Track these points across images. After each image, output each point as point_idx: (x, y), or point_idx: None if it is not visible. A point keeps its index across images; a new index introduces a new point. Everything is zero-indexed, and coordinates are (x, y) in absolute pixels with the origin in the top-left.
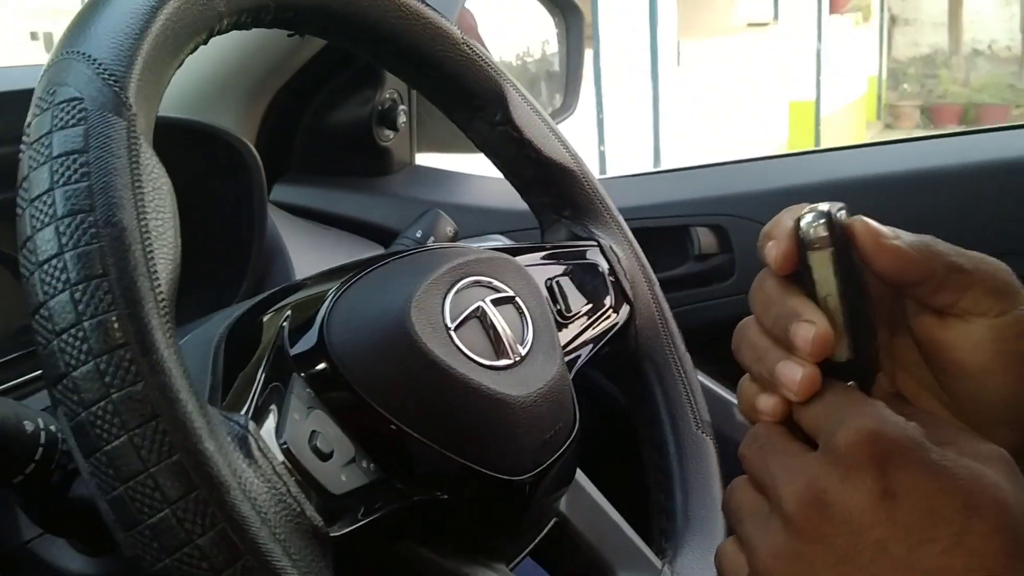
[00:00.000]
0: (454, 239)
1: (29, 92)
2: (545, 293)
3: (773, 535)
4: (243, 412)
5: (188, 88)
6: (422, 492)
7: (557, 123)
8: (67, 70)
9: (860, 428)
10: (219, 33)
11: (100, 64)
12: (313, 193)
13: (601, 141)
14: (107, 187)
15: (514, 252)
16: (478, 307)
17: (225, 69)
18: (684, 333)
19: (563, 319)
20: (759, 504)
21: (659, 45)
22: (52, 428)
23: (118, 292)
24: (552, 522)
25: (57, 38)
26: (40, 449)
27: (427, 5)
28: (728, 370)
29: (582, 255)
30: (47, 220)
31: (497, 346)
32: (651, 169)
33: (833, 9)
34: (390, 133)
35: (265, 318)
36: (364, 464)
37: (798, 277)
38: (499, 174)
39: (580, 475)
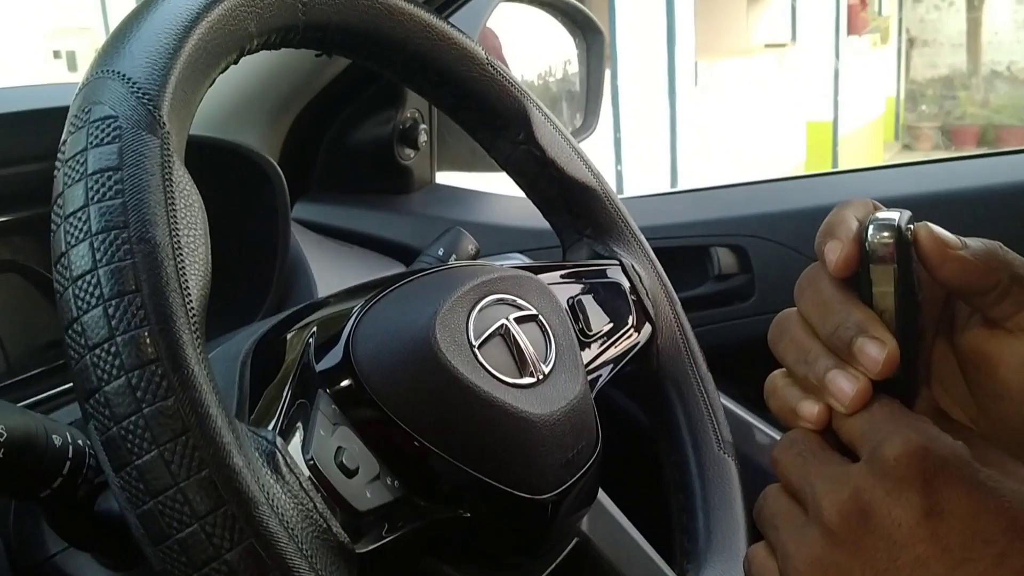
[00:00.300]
0: (475, 257)
1: (56, 110)
2: (567, 311)
3: (810, 543)
4: (271, 428)
5: (213, 106)
6: (445, 510)
7: (577, 142)
8: (102, 89)
9: (908, 442)
10: (249, 53)
11: (134, 83)
12: (335, 211)
13: (618, 160)
14: (140, 204)
15: (536, 270)
16: (502, 325)
17: (250, 87)
18: (704, 353)
19: (585, 338)
20: (795, 511)
21: (676, 65)
22: (79, 442)
23: (150, 308)
24: (574, 542)
25: (80, 56)
26: (67, 463)
27: (452, 25)
28: (748, 391)
29: (604, 274)
30: (82, 236)
31: (520, 364)
32: (671, 189)
33: (851, 30)
34: (411, 152)
35: (290, 335)
36: (388, 481)
37: (855, 281)
38: (518, 192)
39: (602, 495)
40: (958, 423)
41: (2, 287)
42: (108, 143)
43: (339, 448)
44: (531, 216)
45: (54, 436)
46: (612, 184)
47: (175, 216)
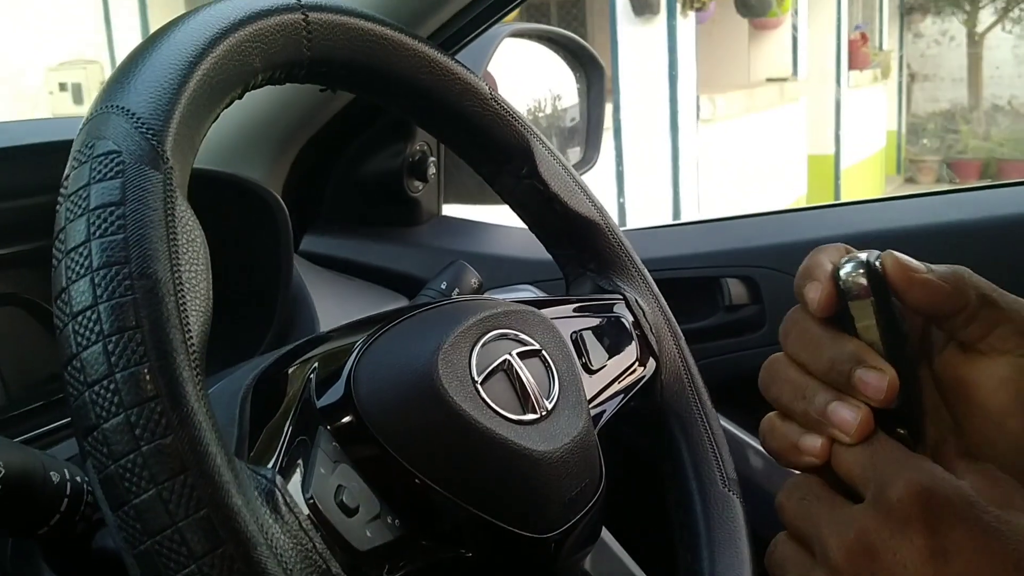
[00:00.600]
0: (478, 291)
1: (60, 144)
2: (571, 346)
3: None
4: (270, 465)
5: (217, 139)
6: (446, 549)
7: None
8: (106, 124)
9: (911, 483)
10: (254, 88)
11: (138, 118)
12: (342, 243)
13: (621, 193)
14: (142, 239)
15: (539, 305)
16: (505, 360)
17: (255, 121)
18: (716, 384)
19: (588, 373)
20: (802, 556)
21: (679, 99)
22: (77, 479)
23: (150, 344)
24: None
25: (85, 90)
26: (65, 500)
27: (456, 61)
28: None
29: (607, 308)
30: (82, 272)
31: (523, 400)
32: (680, 221)
33: (852, 65)
34: (420, 184)
35: (291, 370)
36: (389, 520)
37: (838, 319)
38: (524, 225)
39: (605, 533)
40: (954, 452)
41: (3, 319)
42: (111, 178)
43: (339, 486)
44: (537, 248)
45: (52, 473)
46: (615, 217)
47: (177, 251)
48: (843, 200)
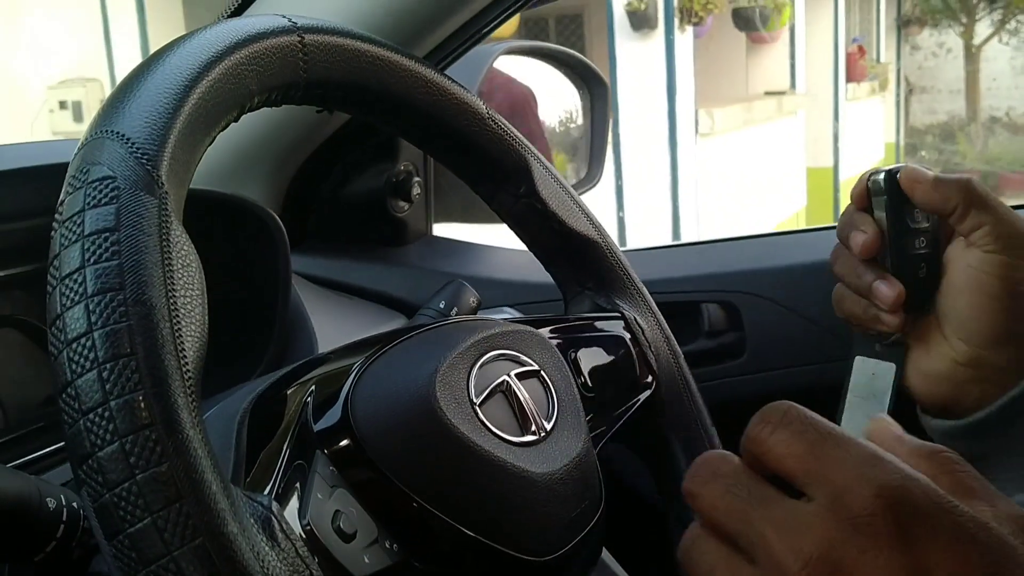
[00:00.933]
0: (477, 310)
1: (56, 166)
2: (569, 366)
3: None
4: (267, 492)
5: (214, 159)
6: (445, 574)
7: (581, 193)
8: (100, 149)
9: (881, 490)
10: (250, 110)
11: (133, 143)
12: (328, 263)
13: (620, 208)
14: (137, 265)
15: (538, 324)
16: (503, 381)
17: (252, 141)
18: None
19: (587, 392)
20: (735, 562)
21: (677, 114)
22: (74, 505)
23: (145, 371)
24: None
25: (85, 107)
26: (62, 527)
27: (453, 80)
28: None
29: (606, 327)
30: (77, 298)
31: (522, 421)
32: (666, 242)
33: (850, 78)
34: (404, 204)
35: (289, 392)
36: (387, 545)
37: (868, 210)
38: (518, 245)
39: (606, 555)
40: (936, 327)
41: (0, 341)
42: (106, 204)
43: (337, 511)
44: (528, 270)
45: (48, 499)
46: (614, 230)
47: (172, 277)
48: (828, 224)
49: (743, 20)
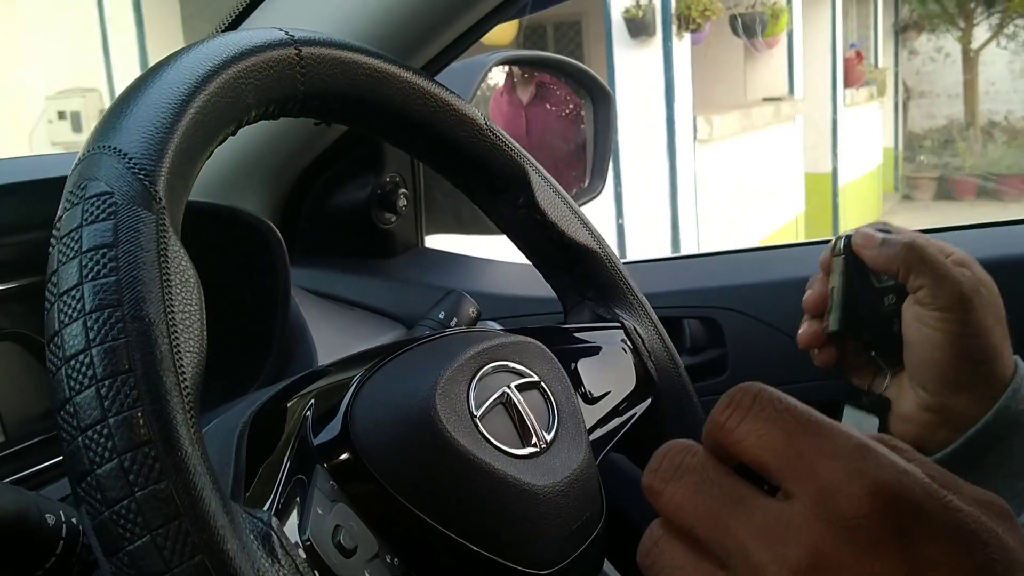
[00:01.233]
0: (476, 320)
1: (54, 180)
2: (569, 377)
3: None
4: (267, 507)
5: (211, 171)
6: None
7: (583, 204)
8: (98, 164)
9: (875, 488)
10: (247, 124)
11: (130, 158)
12: (314, 276)
13: (620, 214)
14: (135, 281)
15: (538, 334)
16: (503, 393)
17: (249, 153)
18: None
19: (588, 403)
20: (704, 571)
21: (676, 120)
22: (73, 520)
23: (144, 388)
24: None
25: (84, 117)
26: (61, 543)
27: (450, 92)
28: None
29: (607, 337)
30: (75, 315)
31: (523, 433)
32: (640, 257)
33: (848, 83)
34: (391, 216)
35: (288, 405)
36: (388, 559)
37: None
38: (511, 257)
39: (608, 567)
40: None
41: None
42: (103, 220)
43: (337, 526)
44: (519, 283)
45: (48, 515)
46: (614, 237)
47: (170, 293)
48: (812, 239)
49: (741, 26)
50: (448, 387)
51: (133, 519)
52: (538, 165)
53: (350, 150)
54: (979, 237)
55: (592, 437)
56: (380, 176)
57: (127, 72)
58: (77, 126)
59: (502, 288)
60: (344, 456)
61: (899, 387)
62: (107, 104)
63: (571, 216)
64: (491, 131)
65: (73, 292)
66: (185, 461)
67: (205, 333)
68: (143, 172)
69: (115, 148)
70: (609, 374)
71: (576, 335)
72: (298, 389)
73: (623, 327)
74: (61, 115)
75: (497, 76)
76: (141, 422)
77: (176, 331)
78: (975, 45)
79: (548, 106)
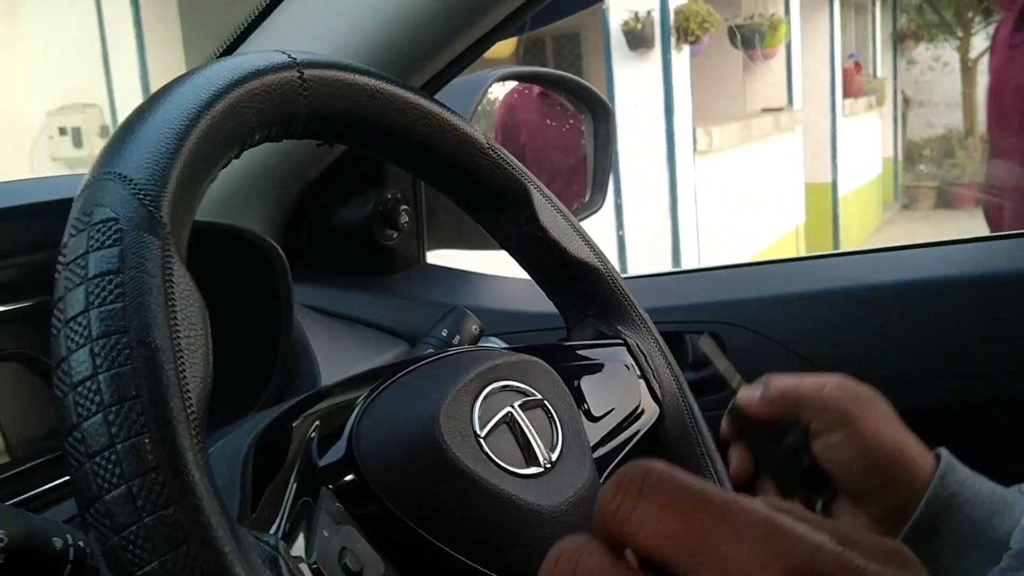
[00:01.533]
0: (479, 337)
1: (57, 202)
2: (573, 395)
3: None
4: (273, 530)
5: (213, 189)
6: None
7: (584, 218)
8: (103, 190)
9: (790, 566)
10: (251, 147)
11: (135, 184)
12: (316, 293)
13: (620, 226)
14: (141, 307)
15: (541, 352)
16: (507, 413)
17: (251, 171)
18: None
19: (591, 420)
20: None
21: (675, 132)
22: (80, 543)
23: (151, 414)
24: None
25: (85, 133)
26: (68, 566)
27: (452, 112)
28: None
29: (609, 355)
30: (82, 341)
31: (527, 453)
32: (640, 272)
33: (847, 93)
34: (392, 233)
35: (293, 426)
36: None
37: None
38: (513, 273)
39: None
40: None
41: (4, 375)
42: (109, 246)
43: (343, 549)
44: (521, 298)
45: (55, 539)
46: (614, 249)
47: (175, 318)
48: (814, 253)
49: (739, 38)
50: (452, 407)
51: (142, 545)
52: (540, 184)
53: (352, 167)
54: (954, 254)
55: (596, 455)
56: (382, 193)
57: (128, 88)
58: (78, 142)
59: (504, 304)
60: (349, 477)
61: (838, 511)
62: (107, 120)
63: (573, 234)
64: (492, 150)
65: (80, 319)
66: (192, 486)
67: (211, 357)
68: (148, 198)
69: (120, 174)
70: (612, 391)
71: (579, 352)
72: (302, 410)
73: (626, 344)
74: (62, 131)
75: (497, 91)
76: (148, 448)
77: (182, 356)
78: (973, 54)
79: (549, 121)
